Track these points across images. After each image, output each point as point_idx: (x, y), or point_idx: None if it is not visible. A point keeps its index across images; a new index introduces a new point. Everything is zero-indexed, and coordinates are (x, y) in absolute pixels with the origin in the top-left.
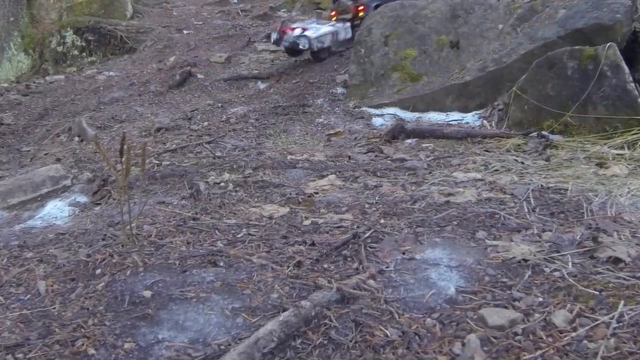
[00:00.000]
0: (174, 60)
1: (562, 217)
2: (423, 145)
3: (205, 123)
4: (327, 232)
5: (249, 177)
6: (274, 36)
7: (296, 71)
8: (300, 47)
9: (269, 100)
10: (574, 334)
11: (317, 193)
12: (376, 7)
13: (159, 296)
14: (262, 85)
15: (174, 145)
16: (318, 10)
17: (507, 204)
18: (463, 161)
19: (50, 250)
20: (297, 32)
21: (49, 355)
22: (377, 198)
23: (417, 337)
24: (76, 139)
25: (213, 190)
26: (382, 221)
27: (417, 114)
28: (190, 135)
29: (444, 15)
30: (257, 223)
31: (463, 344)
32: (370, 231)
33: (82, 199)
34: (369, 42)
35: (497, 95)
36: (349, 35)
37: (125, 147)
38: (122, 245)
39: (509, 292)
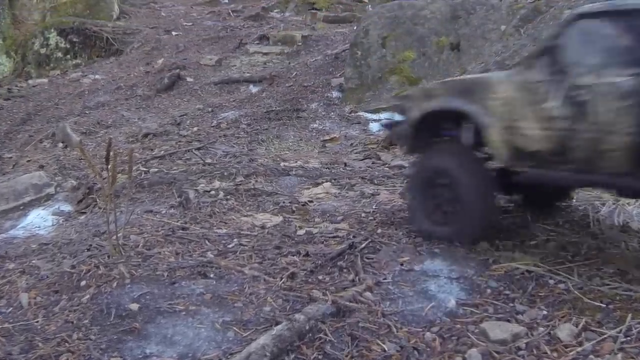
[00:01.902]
0: (162, 62)
1: (567, 226)
2: None
3: (195, 128)
4: (322, 242)
5: (240, 184)
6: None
7: (290, 74)
8: None
9: (262, 104)
10: (579, 349)
11: (311, 201)
12: None
13: (147, 309)
14: (254, 89)
15: (162, 152)
16: (313, 11)
17: (510, 213)
18: None
19: (33, 261)
20: None
21: None
22: (374, 207)
23: (416, 352)
24: (60, 145)
25: (203, 198)
26: (379, 231)
27: None
28: (179, 141)
29: (444, 15)
30: (249, 233)
31: (464, 359)
32: (367, 241)
33: (67, 207)
34: (365, 43)
35: None
36: None
37: (111, 153)
38: (108, 256)
39: (511, 304)
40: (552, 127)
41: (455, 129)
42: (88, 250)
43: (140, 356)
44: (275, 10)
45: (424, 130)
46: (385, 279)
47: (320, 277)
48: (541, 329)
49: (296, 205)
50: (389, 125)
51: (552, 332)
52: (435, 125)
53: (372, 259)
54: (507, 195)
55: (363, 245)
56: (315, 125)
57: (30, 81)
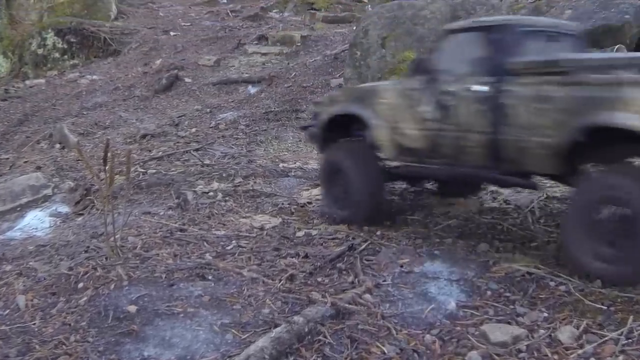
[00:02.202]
0: (160, 63)
1: None
2: None
3: (193, 129)
4: (321, 244)
5: (239, 186)
6: None
7: (289, 75)
8: None
9: (260, 105)
10: (580, 351)
11: (310, 203)
12: None
13: (145, 311)
14: (252, 90)
15: (160, 153)
16: (312, 11)
17: (510, 214)
18: None
19: (30, 263)
20: None
21: None
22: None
23: (415, 355)
24: (57, 146)
25: (201, 199)
26: (378, 232)
27: None
28: (178, 142)
29: (444, 16)
30: (247, 234)
31: None
32: (367, 243)
33: (64, 209)
34: (365, 44)
35: None
36: None
37: (109, 154)
38: (106, 258)
39: (512, 307)
40: (425, 128)
41: (363, 130)
42: (85, 252)
43: (138, 359)
44: (274, 11)
45: (332, 131)
46: (384, 280)
47: (319, 279)
48: (542, 331)
49: (295, 206)
50: (305, 128)
51: (552, 334)
52: (341, 126)
53: (372, 260)
54: (414, 185)
55: (362, 246)
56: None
57: (27, 82)
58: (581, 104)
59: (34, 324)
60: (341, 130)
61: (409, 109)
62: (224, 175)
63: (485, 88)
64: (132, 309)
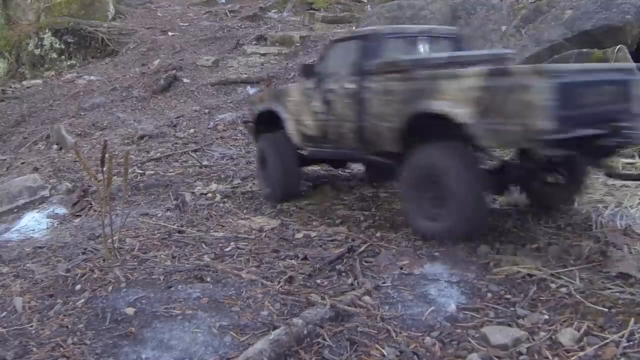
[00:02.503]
0: (158, 63)
1: (569, 229)
2: None
3: (192, 130)
4: (321, 246)
5: (237, 187)
6: None
7: (287, 75)
8: None
9: None
10: (581, 354)
11: (309, 204)
12: None
13: (143, 313)
14: (251, 91)
15: (159, 154)
16: (311, 11)
17: (511, 216)
18: None
19: (28, 265)
20: None
21: None
22: (373, 210)
23: (415, 357)
24: (55, 147)
25: (200, 201)
26: (378, 234)
27: None
28: (176, 143)
29: (444, 16)
30: (246, 236)
31: None
32: (366, 245)
33: (61, 210)
34: None
35: None
36: None
37: (106, 155)
38: (104, 260)
39: (512, 309)
40: (317, 119)
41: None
42: (83, 253)
43: None
44: (272, 11)
45: (262, 124)
46: (384, 282)
47: (318, 281)
48: (542, 333)
49: (294, 208)
50: (245, 122)
51: (553, 336)
52: (268, 120)
53: (371, 262)
54: (337, 168)
55: (362, 248)
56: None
57: (24, 82)
58: (411, 95)
59: (31, 326)
60: (269, 123)
61: (306, 104)
62: (222, 176)
63: (353, 85)
64: (130, 311)
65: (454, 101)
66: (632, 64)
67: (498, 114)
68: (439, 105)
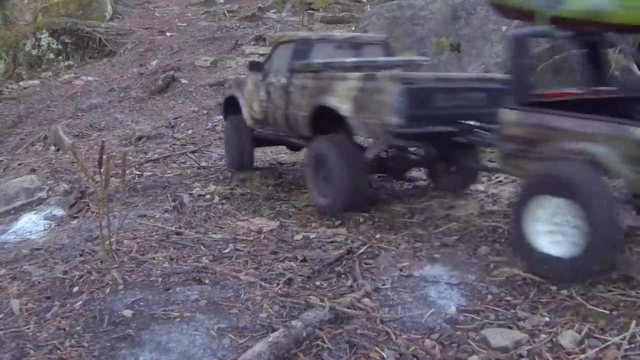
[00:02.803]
0: (156, 64)
1: None
2: None
3: (190, 131)
4: (320, 248)
5: (236, 188)
6: None
7: None
8: None
9: None
10: (582, 356)
11: (308, 206)
12: None
13: (141, 316)
14: None
15: (156, 155)
16: (310, 11)
17: (511, 217)
18: None
19: (25, 267)
20: None
21: None
22: (372, 211)
23: None
24: (52, 148)
25: (198, 202)
26: (378, 236)
27: None
28: (174, 144)
29: (444, 16)
30: (244, 238)
31: None
32: (366, 246)
33: (59, 212)
34: None
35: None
36: None
37: (104, 156)
38: (101, 262)
39: (513, 311)
40: (262, 107)
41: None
42: (80, 255)
43: None
44: (271, 11)
45: (231, 106)
46: (384, 284)
47: (317, 283)
48: (543, 335)
49: (293, 209)
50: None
51: (554, 339)
52: (235, 103)
53: (371, 264)
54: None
55: (361, 250)
56: None
57: (21, 83)
58: (317, 91)
59: (29, 328)
60: (235, 106)
61: (256, 93)
62: (220, 177)
63: (284, 80)
64: (128, 313)
65: (341, 98)
66: (495, 75)
67: (367, 110)
68: (332, 101)
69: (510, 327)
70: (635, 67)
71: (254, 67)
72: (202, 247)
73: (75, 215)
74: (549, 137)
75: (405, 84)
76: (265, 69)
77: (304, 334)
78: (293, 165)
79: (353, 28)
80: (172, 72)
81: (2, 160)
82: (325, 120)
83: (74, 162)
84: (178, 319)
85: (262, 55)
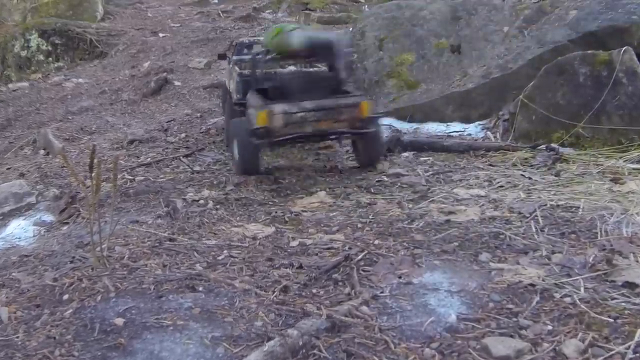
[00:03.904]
0: (148, 65)
1: (573, 237)
2: (421, 158)
3: (183, 135)
4: (316, 254)
5: (230, 193)
6: None
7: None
8: None
9: None
10: None
11: (305, 211)
12: None
13: (132, 324)
14: None
15: (149, 159)
16: (306, 12)
17: (513, 223)
18: (465, 176)
19: (13, 274)
20: None
21: None
22: (370, 217)
23: None
24: (42, 152)
25: (191, 208)
26: (376, 242)
27: (414, 125)
28: (167, 148)
29: (444, 16)
30: (239, 244)
31: None
32: (364, 253)
33: (48, 217)
34: (362, 46)
35: (502, 104)
36: None
37: (95, 161)
38: (92, 269)
39: (515, 319)
40: (229, 84)
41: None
42: (71, 262)
43: None
44: (267, 11)
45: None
46: (382, 292)
47: (314, 291)
48: (546, 344)
49: (289, 215)
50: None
51: (557, 348)
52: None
53: (369, 271)
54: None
55: (359, 257)
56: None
57: (10, 85)
58: (229, 75)
59: (18, 337)
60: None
61: (229, 74)
62: (215, 182)
63: (230, 66)
64: (119, 321)
65: (232, 82)
66: None
67: (232, 87)
68: (231, 84)
69: (512, 336)
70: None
71: (221, 57)
72: (195, 253)
73: (65, 221)
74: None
75: (240, 72)
76: (228, 58)
77: (300, 343)
78: (289, 169)
79: (351, 29)
80: (164, 74)
81: None
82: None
83: (64, 167)
84: (171, 328)
85: (241, 99)
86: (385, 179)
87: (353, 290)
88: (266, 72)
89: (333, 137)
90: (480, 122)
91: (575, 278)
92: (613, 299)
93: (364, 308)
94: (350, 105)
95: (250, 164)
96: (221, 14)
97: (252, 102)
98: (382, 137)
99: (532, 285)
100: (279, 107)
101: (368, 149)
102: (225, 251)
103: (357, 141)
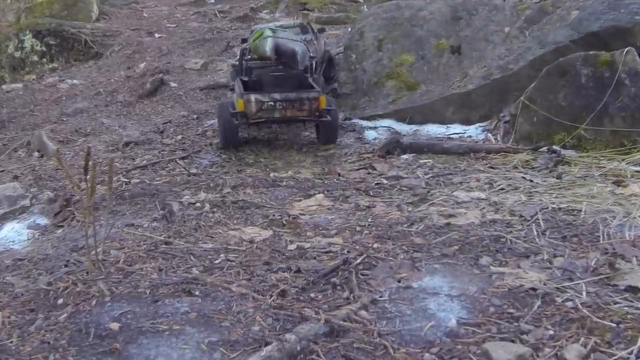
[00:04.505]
0: (144, 66)
1: (575, 241)
2: (421, 161)
3: (179, 136)
4: (315, 258)
5: (227, 196)
6: None
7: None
8: None
9: None
10: None
11: (303, 214)
12: None
13: (128, 329)
14: None
15: (145, 161)
16: (304, 12)
17: (514, 226)
18: (465, 179)
19: (7, 278)
20: None
21: None
22: (369, 220)
23: None
24: (36, 154)
25: (188, 211)
26: (375, 245)
27: (414, 127)
28: (163, 150)
29: (444, 16)
30: (236, 248)
31: None
32: (362, 257)
33: (43, 220)
34: (360, 46)
35: (503, 105)
36: None
37: (90, 163)
38: (87, 272)
39: (516, 324)
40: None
41: None
42: (65, 266)
43: None
44: (264, 11)
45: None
46: (381, 296)
47: (312, 295)
48: (547, 349)
49: (287, 218)
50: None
51: (559, 353)
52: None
53: (368, 275)
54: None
55: (358, 260)
56: (307, 134)
57: (4, 86)
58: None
59: (11, 342)
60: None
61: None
62: (211, 185)
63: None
64: (115, 326)
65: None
66: None
67: None
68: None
69: (513, 341)
70: None
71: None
72: (192, 257)
73: (60, 224)
74: None
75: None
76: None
77: (298, 348)
78: (286, 172)
79: (349, 29)
80: (160, 75)
81: None
82: None
83: (58, 169)
84: (167, 332)
85: (230, 88)
86: (385, 181)
87: (352, 295)
88: (247, 66)
89: (297, 122)
90: (481, 124)
91: (577, 282)
92: (616, 303)
93: (363, 312)
94: (310, 98)
95: (230, 139)
96: (218, 14)
97: (236, 89)
98: (337, 124)
99: (534, 289)
100: (253, 97)
101: (326, 133)
102: (222, 255)
103: (318, 126)
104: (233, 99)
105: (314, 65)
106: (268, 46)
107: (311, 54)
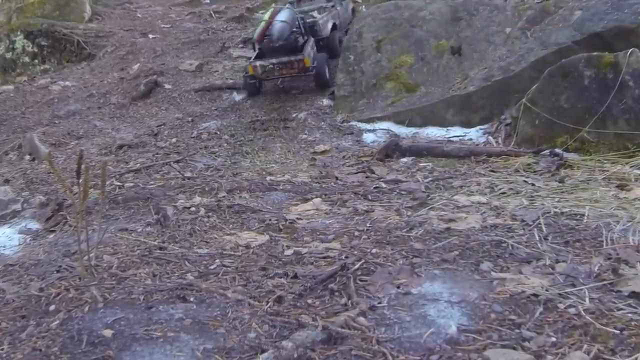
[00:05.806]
0: (138, 68)
1: (578, 246)
2: (420, 164)
3: (174, 139)
4: (312, 263)
5: (222, 200)
6: None
7: (276, 80)
8: None
9: (246, 113)
10: None
11: (300, 219)
12: None
13: (121, 336)
14: (237, 97)
15: (138, 165)
16: None
17: (515, 231)
18: (466, 183)
19: None
20: None
21: None
22: (368, 224)
23: None
24: (27, 157)
25: (182, 215)
26: (373, 251)
27: (413, 129)
28: (157, 154)
29: (444, 17)
30: (232, 253)
31: None
32: (361, 262)
33: (34, 225)
34: (359, 47)
35: (504, 107)
36: None
37: (82, 166)
38: (80, 278)
39: (517, 331)
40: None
41: None
42: (57, 271)
43: None
44: (260, 12)
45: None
46: (380, 303)
47: (309, 301)
48: (550, 357)
49: (283, 223)
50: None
51: None
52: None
53: (366, 281)
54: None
55: (356, 266)
56: (304, 136)
57: None
58: None
59: (2, 349)
60: None
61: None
62: (206, 189)
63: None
64: (108, 333)
65: None
66: None
67: None
68: None
69: (514, 348)
70: None
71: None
72: (186, 262)
73: (51, 229)
74: None
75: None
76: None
77: (295, 356)
78: (283, 175)
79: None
80: (154, 76)
81: None
82: None
83: (50, 173)
84: (161, 339)
85: (249, 58)
86: (383, 185)
87: (350, 301)
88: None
89: (292, 76)
90: (482, 127)
91: (580, 288)
92: (619, 309)
93: (361, 319)
94: (297, 60)
95: (250, 91)
96: (213, 15)
97: (251, 56)
98: (323, 73)
99: (535, 295)
100: (258, 62)
101: (317, 81)
102: (217, 260)
103: (312, 78)
104: (248, 64)
105: (302, 33)
106: (255, 33)
107: (300, 25)
